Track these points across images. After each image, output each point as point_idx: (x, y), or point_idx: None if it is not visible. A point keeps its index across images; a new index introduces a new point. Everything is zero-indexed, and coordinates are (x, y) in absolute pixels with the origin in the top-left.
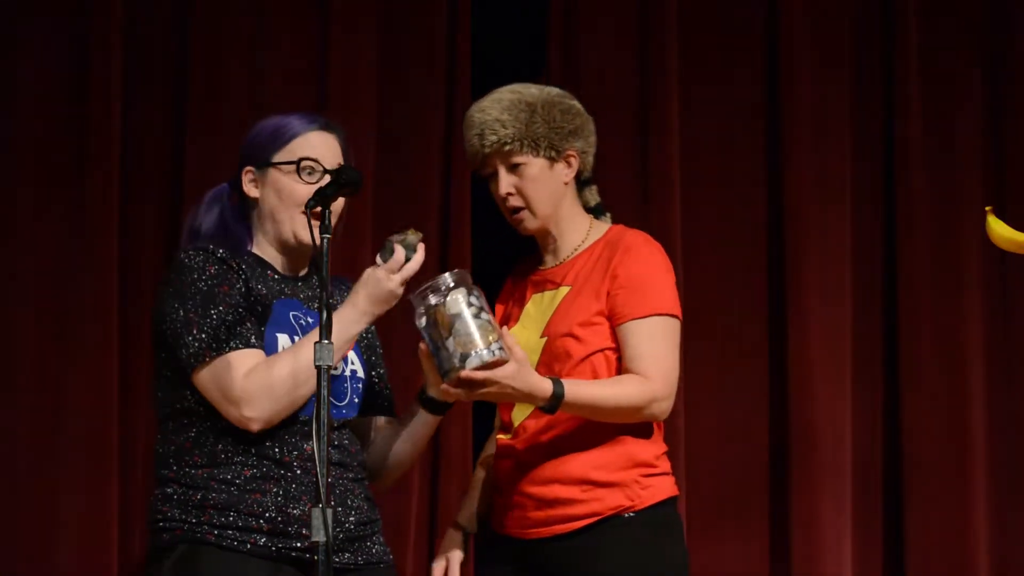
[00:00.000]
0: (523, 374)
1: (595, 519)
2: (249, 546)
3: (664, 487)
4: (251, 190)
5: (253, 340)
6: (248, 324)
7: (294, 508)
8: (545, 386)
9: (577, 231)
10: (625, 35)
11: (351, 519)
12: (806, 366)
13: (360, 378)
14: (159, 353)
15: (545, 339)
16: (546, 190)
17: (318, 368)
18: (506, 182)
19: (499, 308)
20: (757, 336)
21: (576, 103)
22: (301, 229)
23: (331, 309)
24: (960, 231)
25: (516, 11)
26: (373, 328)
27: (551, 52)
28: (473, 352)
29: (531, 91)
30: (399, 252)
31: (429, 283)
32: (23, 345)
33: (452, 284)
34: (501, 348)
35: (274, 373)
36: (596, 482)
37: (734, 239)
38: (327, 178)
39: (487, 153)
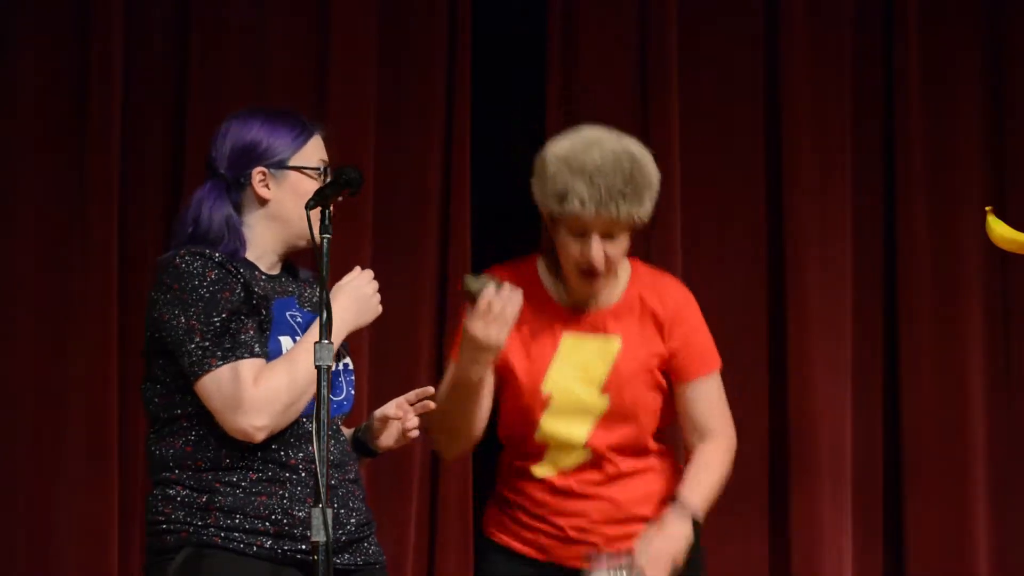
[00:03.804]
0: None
1: None
2: (255, 548)
3: None
4: (263, 191)
5: (257, 348)
6: (251, 331)
7: (299, 511)
8: (685, 531)
9: (617, 278)
10: (625, 34)
11: (352, 520)
12: (806, 366)
13: (352, 370)
14: (156, 359)
15: (607, 397)
16: (624, 253)
17: (318, 368)
18: (600, 250)
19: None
20: (757, 336)
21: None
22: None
23: (330, 308)
24: (960, 231)
25: (516, 10)
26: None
27: (551, 52)
28: None
29: (648, 165)
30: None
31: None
32: (22, 345)
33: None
34: None
35: (281, 381)
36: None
37: (734, 239)
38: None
39: (594, 220)
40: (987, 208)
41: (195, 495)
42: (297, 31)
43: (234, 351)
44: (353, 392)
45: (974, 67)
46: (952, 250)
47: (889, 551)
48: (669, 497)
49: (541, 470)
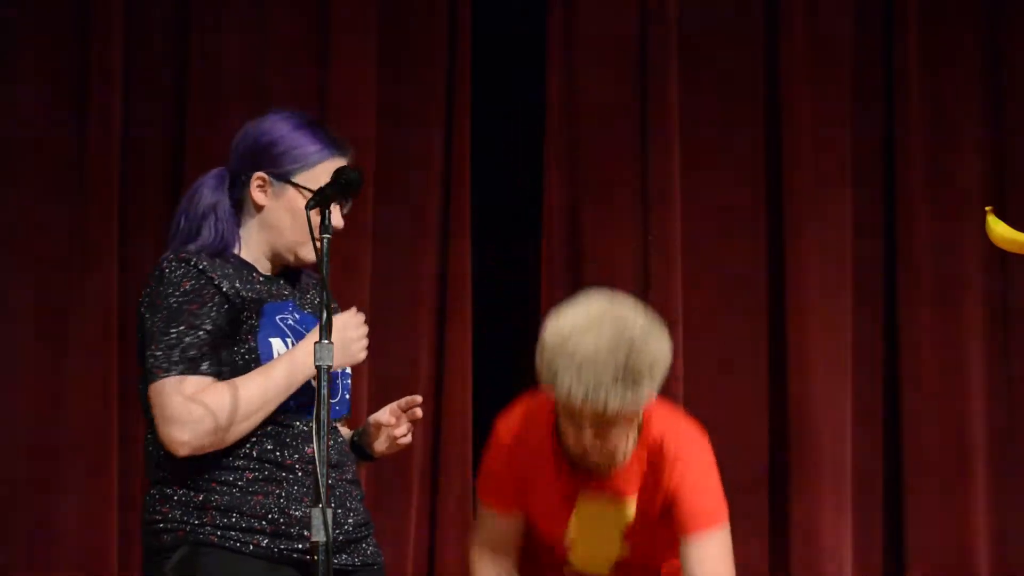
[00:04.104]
0: None
1: None
2: (251, 547)
3: None
4: (259, 197)
5: (206, 366)
6: (206, 348)
7: (296, 510)
8: None
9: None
10: (625, 35)
11: (349, 521)
12: (806, 366)
13: (348, 374)
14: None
15: (627, 545)
16: (628, 439)
17: (318, 368)
18: (594, 442)
19: (501, 478)
20: (757, 336)
21: (667, 339)
22: (307, 252)
23: (331, 310)
24: (960, 231)
25: (516, 10)
26: None
27: (551, 52)
28: None
29: (648, 351)
30: None
31: None
32: (23, 345)
33: None
34: None
35: (217, 402)
36: None
37: (734, 239)
38: (335, 207)
39: (584, 411)
40: (987, 208)
41: (192, 494)
42: (297, 31)
43: (178, 365)
44: (348, 396)
45: (974, 67)
46: (952, 250)
47: (889, 551)
48: None
49: (568, 570)
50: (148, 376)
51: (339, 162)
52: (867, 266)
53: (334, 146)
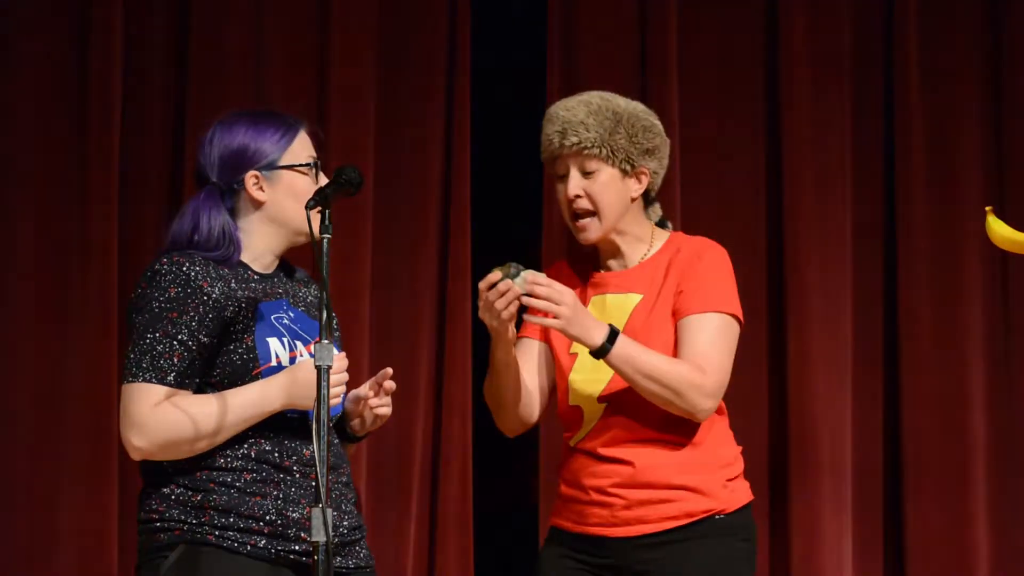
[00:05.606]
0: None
1: (687, 520)
2: (249, 547)
3: (746, 491)
4: (258, 194)
5: (171, 378)
6: (175, 358)
7: (293, 511)
8: (597, 326)
9: (642, 241)
10: (625, 32)
11: (344, 523)
12: (806, 366)
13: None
14: None
15: None
16: (615, 199)
17: (318, 368)
18: (576, 184)
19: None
20: (757, 336)
21: (659, 123)
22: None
23: (330, 309)
24: (960, 232)
25: (516, 9)
26: (337, 322)
27: (551, 50)
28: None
29: (619, 102)
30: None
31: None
32: (23, 344)
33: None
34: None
35: (178, 418)
36: (686, 487)
37: (734, 239)
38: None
39: (564, 153)
40: (987, 208)
41: (190, 493)
42: (297, 30)
43: (147, 372)
44: (345, 393)
45: (974, 67)
46: (952, 251)
47: (889, 551)
48: (693, 468)
49: (575, 439)
50: (124, 377)
51: (303, 133)
52: (867, 266)
53: (295, 121)
